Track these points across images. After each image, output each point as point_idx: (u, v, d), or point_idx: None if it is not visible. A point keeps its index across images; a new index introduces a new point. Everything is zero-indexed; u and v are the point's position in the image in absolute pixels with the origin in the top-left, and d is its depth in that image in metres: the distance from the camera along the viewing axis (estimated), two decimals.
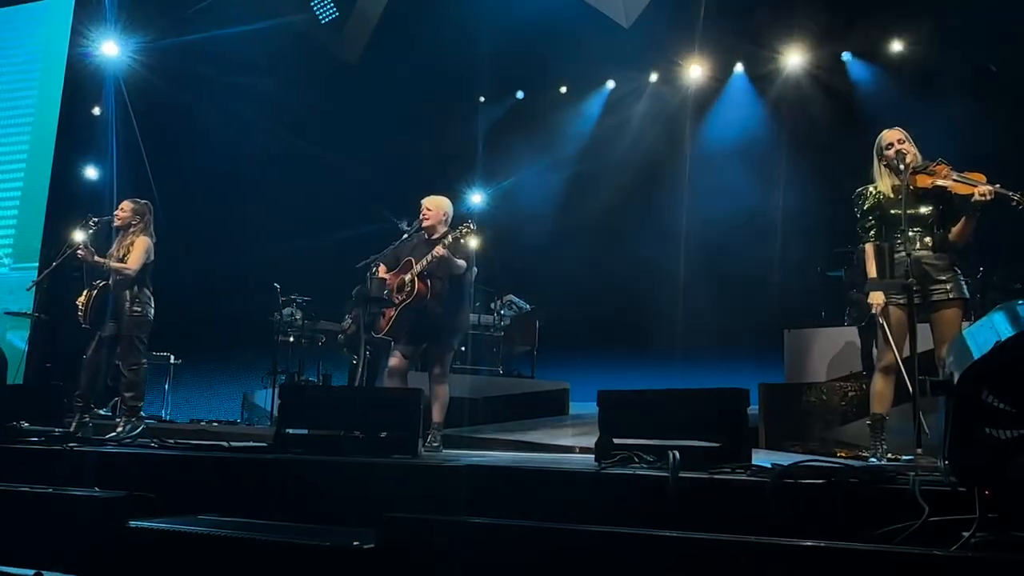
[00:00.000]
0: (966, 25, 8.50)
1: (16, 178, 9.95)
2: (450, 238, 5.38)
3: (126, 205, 6.08)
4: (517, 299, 9.32)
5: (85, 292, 5.90)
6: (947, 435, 2.47)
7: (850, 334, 6.37)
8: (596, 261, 10.51)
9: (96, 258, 5.83)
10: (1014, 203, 4.10)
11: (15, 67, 10.26)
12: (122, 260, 5.88)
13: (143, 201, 6.17)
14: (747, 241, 9.48)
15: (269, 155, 10.96)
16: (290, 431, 4.19)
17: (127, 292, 5.81)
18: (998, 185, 4.17)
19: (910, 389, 3.96)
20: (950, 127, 7.22)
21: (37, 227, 9.68)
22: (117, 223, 6.05)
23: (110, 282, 5.88)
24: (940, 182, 4.32)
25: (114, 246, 6.06)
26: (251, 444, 4.90)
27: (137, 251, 5.86)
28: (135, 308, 5.81)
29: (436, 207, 5.73)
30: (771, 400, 6.35)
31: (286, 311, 9.34)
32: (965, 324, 4.37)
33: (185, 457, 3.64)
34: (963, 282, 4.41)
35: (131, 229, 5.99)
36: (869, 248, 4.58)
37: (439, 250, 5.30)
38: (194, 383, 11.00)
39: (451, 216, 5.81)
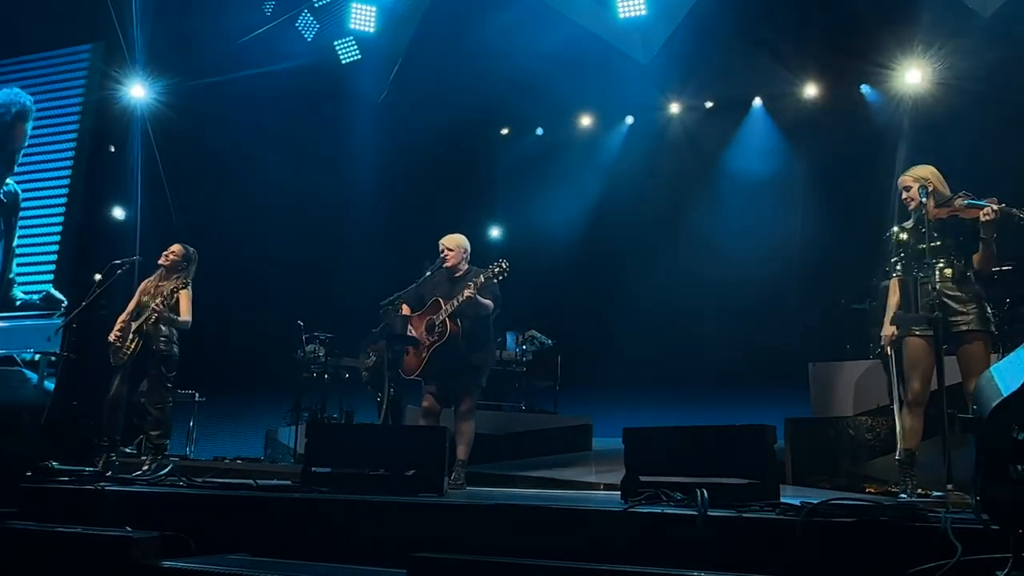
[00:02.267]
0: (983, 53, 8.52)
1: (57, 222, 10.05)
2: (482, 278, 5.41)
3: (178, 249, 6.21)
4: (539, 334, 9.32)
5: (134, 339, 5.93)
6: (978, 472, 2.45)
7: (876, 367, 6.32)
8: (617, 295, 10.52)
9: (167, 315, 5.90)
10: (1018, 219, 4.09)
11: (58, 111, 10.44)
12: (166, 305, 5.96)
13: (192, 249, 6.30)
14: (770, 274, 9.46)
15: (290, 193, 11.10)
16: (316, 469, 4.21)
17: (162, 334, 5.91)
18: (1004, 204, 4.16)
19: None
20: (970, 155, 7.22)
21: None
22: (165, 263, 6.15)
23: (146, 323, 5.95)
24: (953, 212, 4.34)
25: (152, 280, 6.15)
26: (277, 482, 4.92)
27: (185, 303, 5.99)
28: (163, 348, 5.90)
29: (456, 245, 5.78)
30: (797, 435, 6.30)
31: (309, 348, 9.41)
32: (993, 357, 4.34)
33: (214, 496, 3.66)
34: (988, 313, 4.38)
35: (177, 274, 6.10)
36: (893, 282, 4.59)
37: (468, 291, 5.34)
38: (218, 420, 11.05)
39: (470, 252, 5.87)
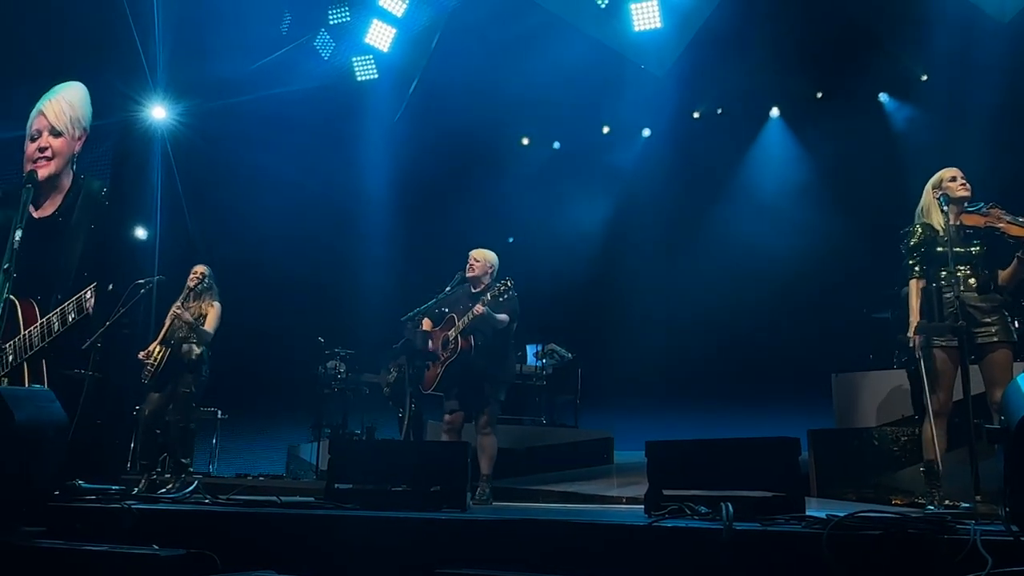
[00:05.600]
0: (1001, 59, 8.47)
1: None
2: (489, 296, 5.46)
3: (203, 270, 6.31)
4: (559, 348, 9.32)
5: (159, 348, 6.04)
6: (1006, 483, 2.43)
7: (899, 377, 6.27)
8: (637, 308, 10.50)
9: (191, 318, 6.03)
10: None
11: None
12: (195, 318, 6.10)
13: (214, 278, 6.43)
14: (790, 285, 9.43)
15: (309, 210, 11.16)
16: (340, 486, 4.23)
17: (189, 351, 5.99)
18: None
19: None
20: (989, 161, 7.17)
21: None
22: (193, 285, 6.25)
23: (176, 341, 6.05)
24: (991, 223, 4.31)
25: (185, 305, 6.24)
26: (300, 499, 4.95)
27: (212, 316, 6.12)
28: (193, 368, 5.99)
29: (484, 259, 5.84)
30: (821, 447, 6.26)
31: (329, 364, 9.45)
32: (1018, 366, 4.30)
33: (239, 513, 3.68)
34: (1010, 324, 4.35)
35: (205, 294, 6.22)
36: (913, 285, 4.55)
37: (479, 308, 5.40)
38: (240, 437, 11.10)
39: (496, 269, 5.91)
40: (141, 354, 6.13)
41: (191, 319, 6.01)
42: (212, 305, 6.19)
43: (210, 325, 6.12)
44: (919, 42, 9.22)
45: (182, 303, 6.12)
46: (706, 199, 10.77)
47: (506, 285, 5.50)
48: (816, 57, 9.92)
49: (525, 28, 9.55)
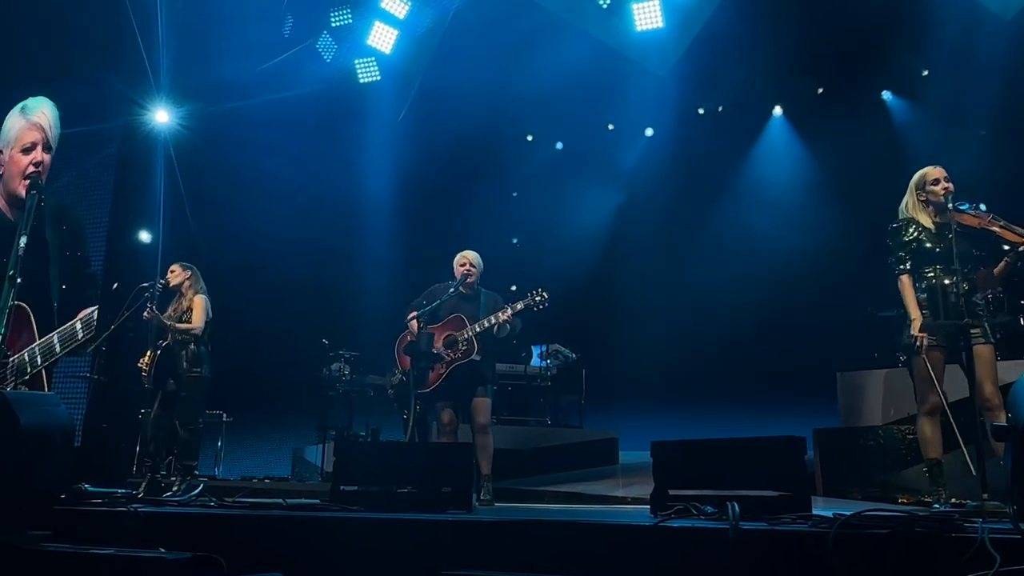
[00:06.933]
0: (1004, 56, 8.45)
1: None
2: (520, 305, 5.51)
3: (176, 268, 6.30)
4: (563, 348, 9.31)
5: (149, 352, 6.06)
6: (1014, 481, 2.42)
7: (904, 375, 6.24)
8: (641, 308, 10.49)
9: (163, 319, 6.03)
10: None
11: (85, 137, 10.53)
12: (182, 320, 6.07)
13: (189, 264, 6.40)
14: (794, 284, 9.41)
15: (313, 212, 11.18)
16: (345, 488, 4.22)
17: (186, 352, 5.98)
18: None
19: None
20: (990, 159, 7.16)
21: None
22: (171, 284, 6.24)
23: (170, 342, 6.05)
24: (986, 227, 4.35)
25: (170, 308, 6.24)
26: (306, 501, 4.95)
27: (197, 310, 6.08)
28: (193, 368, 5.97)
29: (479, 263, 5.88)
30: (827, 446, 6.25)
31: (334, 366, 9.45)
32: (1018, 364, 4.32)
33: (245, 516, 3.67)
34: (987, 326, 4.42)
35: (184, 289, 6.19)
36: (905, 280, 4.58)
37: (509, 314, 5.43)
38: (245, 440, 11.11)
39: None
40: (140, 362, 6.13)
41: (166, 321, 5.98)
42: (195, 299, 6.15)
43: (197, 319, 6.08)
44: (921, 39, 9.20)
45: (152, 307, 6.05)
46: (709, 198, 10.77)
47: (542, 296, 5.54)
48: (818, 55, 9.91)
49: (527, 29, 9.55)
